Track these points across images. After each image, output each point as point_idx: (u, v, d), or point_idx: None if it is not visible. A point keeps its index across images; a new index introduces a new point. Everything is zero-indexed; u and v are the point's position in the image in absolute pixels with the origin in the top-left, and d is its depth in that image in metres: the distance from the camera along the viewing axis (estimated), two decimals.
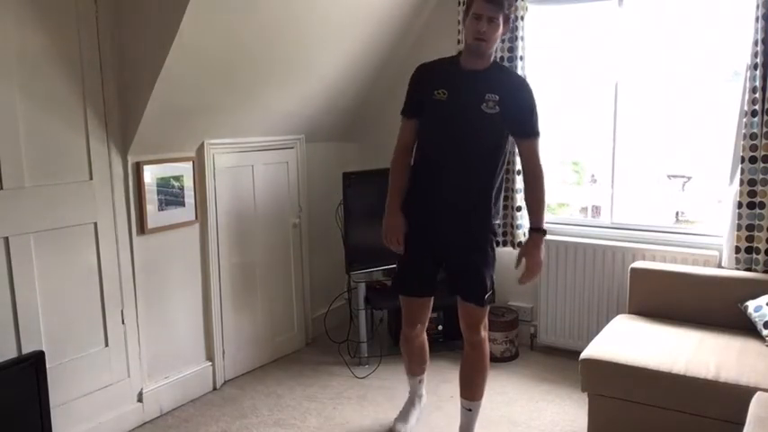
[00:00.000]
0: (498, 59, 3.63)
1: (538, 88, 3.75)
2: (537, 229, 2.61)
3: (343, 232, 3.65)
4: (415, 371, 3.01)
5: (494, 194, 2.63)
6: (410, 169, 2.71)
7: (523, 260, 2.63)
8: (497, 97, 2.50)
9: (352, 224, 3.61)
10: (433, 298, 2.82)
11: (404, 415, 3.02)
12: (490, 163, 2.59)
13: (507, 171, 3.74)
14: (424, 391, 3.10)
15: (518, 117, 2.55)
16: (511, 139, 2.66)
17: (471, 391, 2.76)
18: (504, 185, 2.71)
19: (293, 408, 3.24)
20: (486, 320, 2.71)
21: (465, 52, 2.59)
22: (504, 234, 3.80)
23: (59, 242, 2.67)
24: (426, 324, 2.90)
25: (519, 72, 3.62)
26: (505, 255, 3.91)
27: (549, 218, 3.96)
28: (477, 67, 2.54)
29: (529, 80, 3.64)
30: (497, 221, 2.71)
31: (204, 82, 2.91)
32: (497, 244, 2.79)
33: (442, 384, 3.37)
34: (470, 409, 2.78)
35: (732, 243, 3.17)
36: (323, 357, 3.86)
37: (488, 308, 2.70)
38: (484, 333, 2.71)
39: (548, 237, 3.71)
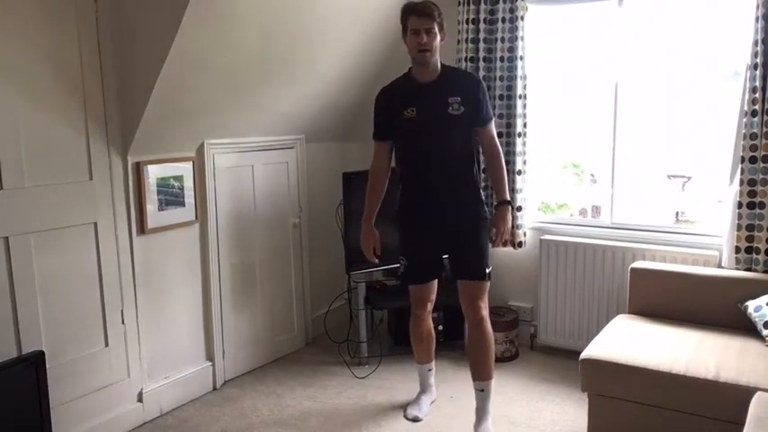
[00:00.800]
0: (498, 59, 3.65)
1: (538, 88, 3.79)
2: (503, 202, 2.88)
3: (343, 232, 3.65)
4: (422, 357, 3.18)
5: (477, 180, 2.90)
6: (397, 180, 2.93)
7: (494, 229, 2.88)
8: (459, 98, 2.74)
9: (352, 224, 3.61)
10: (437, 280, 3.02)
11: (416, 402, 3.19)
12: (468, 156, 2.84)
13: (507, 171, 3.73)
14: (432, 381, 3.24)
15: (477, 110, 2.80)
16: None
17: (481, 372, 2.89)
18: (481, 167, 2.95)
19: (293, 408, 3.24)
20: (486, 299, 2.88)
21: (414, 66, 2.80)
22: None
23: (59, 242, 2.67)
24: (434, 302, 3.08)
25: (519, 72, 3.62)
26: (505, 255, 3.92)
27: (549, 218, 3.98)
28: (431, 78, 2.77)
29: (531, 79, 3.68)
30: (482, 190, 3.00)
31: (204, 82, 2.91)
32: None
33: (441, 384, 3.37)
34: (483, 390, 2.90)
35: (732, 243, 3.17)
36: (323, 357, 3.86)
37: (488, 284, 2.88)
38: (485, 311, 2.86)
39: (548, 237, 3.76)
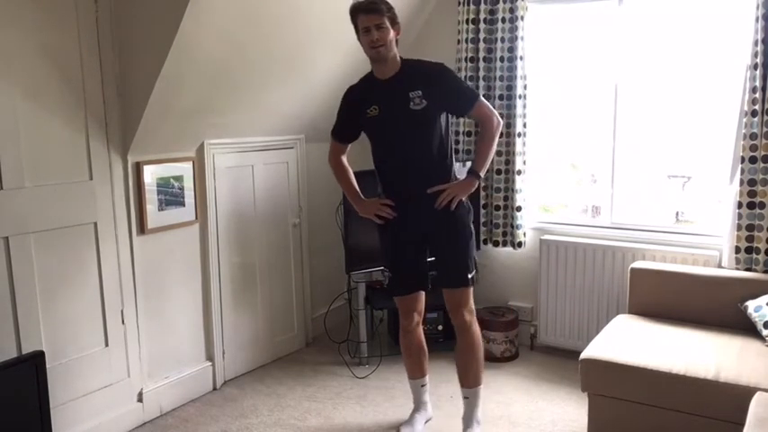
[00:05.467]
0: (498, 59, 3.65)
1: (537, 88, 3.79)
2: (472, 171, 2.75)
3: (343, 232, 3.65)
4: (415, 372, 3.01)
5: (449, 169, 2.76)
6: (377, 177, 2.86)
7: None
8: (420, 92, 2.63)
9: (352, 224, 3.61)
10: (423, 291, 2.90)
11: (410, 421, 2.99)
12: (437, 147, 2.70)
13: (507, 171, 3.74)
14: (427, 399, 3.07)
15: (449, 100, 2.69)
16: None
17: (467, 378, 2.82)
18: (453, 153, 2.82)
19: (293, 408, 3.24)
20: (471, 304, 2.79)
21: (372, 64, 2.73)
22: (504, 234, 3.80)
23: (59, 242, 2.67)
24: (422, 315, 2.95)
25: (519, 72, 3.62)
26: (505, 255, 3.92)
27: (548, 218, 3.98)
28: (391, 74, 2.69)
29: (531, 79, 3.68)
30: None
31: (204, 82, 2.91)
32: (474, 222, 2.88)
33: (441, 384, 3.37)
34: (468, 398, 2.83)
35: (732, 243, 3.17)
36: (323, 357, 3.86)
37: (471, 289, 2.77)
38: (469, 317, 2.77)
39: (548, 237, 3.76)
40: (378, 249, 2.93)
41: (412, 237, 2.78)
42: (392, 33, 2.62)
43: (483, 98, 2.76)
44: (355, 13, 2.63)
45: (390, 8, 2.64)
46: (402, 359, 3.04)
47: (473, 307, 2.80)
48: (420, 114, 2.64)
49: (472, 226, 2.79)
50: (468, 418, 2.84)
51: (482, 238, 3.85)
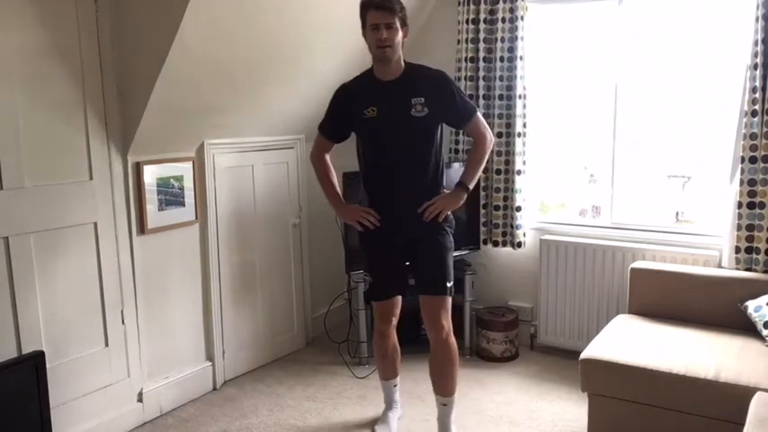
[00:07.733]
0: (498, 59, 3.65)
1: (537, 88, 3.79)
2: (461, 183, 2.71)
3: (343, 232, 3.65)
4: (387, 374, 3.03)
5: (441, 188, 2.74)
6: (363, 180, 2.80)
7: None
8: (423, 99, 2.60)
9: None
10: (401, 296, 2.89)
11: (384, 420, 3.00)
12: (430, 156, 2.68)
13: (507, 171, 3.74)
14: (398, 398, 3.10)
15: (449, 110, 2.67)
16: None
17: (444, 388, 2.77)
18: (444, 166, 2.78)
19: (293, 408, 3.24)
20: (449, 315, 2.71)
21: (375, 64, 2.66)
22: (504, 234, 3.80)
23: (59, 242, 2.67)
24: (398, 318, 2.92)
25: (519, 72, 3.62)
26: (505, 255, 3.92)
27: (548, 218, 3.98)
28: (393, 76, 2.63)
29: (531, 79, 3.68)
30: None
31: (204, 82, 2.91)
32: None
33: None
34: (446, 405, 2.80)
35: (732, 243, 3.17)
36: (323, 357, 3.86)
37: (450, 300, 2.71)
38: (449, 329, 2.69)
39: (548, 237, 3.76)
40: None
41: (393, 244, 2.74)
42: (401, 35, 2.55)
43: (480, 114, 2.74)
44: (366, 7, 2.54)
45: (403, 8, 2.54)
46: (375, 360, 3.05)
47: (450, 320, 2.71)
48: (420, 122, 2.61)
49: (452, 237, 2.74)
50: (445, 424, 2.81)
51: (482, 237, 3.85)
